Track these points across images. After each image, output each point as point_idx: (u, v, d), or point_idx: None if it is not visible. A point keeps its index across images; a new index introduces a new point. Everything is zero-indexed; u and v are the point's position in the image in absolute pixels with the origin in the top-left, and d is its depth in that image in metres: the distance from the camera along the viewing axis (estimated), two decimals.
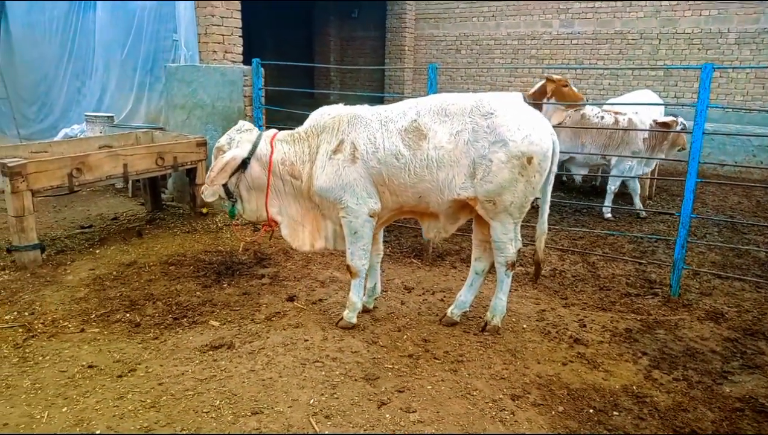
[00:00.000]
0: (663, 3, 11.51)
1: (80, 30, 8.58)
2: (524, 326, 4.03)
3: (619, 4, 11.98)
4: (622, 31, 12.06)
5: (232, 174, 3.70)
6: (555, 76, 6.84)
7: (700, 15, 11.23)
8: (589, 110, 6.98)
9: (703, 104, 3.99)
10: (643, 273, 5.12)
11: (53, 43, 9.05)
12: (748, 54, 10.81)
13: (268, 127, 6.45)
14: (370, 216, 3.63)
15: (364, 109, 3.74)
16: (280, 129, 4.01)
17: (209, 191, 3.78)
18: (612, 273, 5.11)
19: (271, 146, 3.73)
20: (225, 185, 3.75)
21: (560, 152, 6.47)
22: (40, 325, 3.85)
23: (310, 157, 3.72)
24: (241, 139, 3.72)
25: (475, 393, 3.17)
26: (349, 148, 3.56)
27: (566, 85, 6.79)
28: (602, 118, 6.85)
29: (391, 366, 3.43)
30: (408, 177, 3.52)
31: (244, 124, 3.87)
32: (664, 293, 4.63)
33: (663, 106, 8.00)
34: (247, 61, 7.47)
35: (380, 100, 13.76)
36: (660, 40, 11.67)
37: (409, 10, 14.39)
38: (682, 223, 4.31)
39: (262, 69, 6.13)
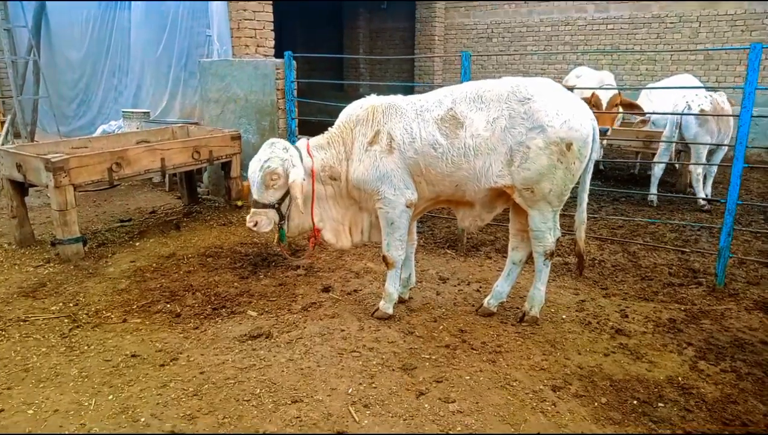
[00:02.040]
0: None
1: (116, 28, 8.76)
2: (563, 317, 3.95)
3: None
4: (659, 14, 11.66)
5: (286, 195, 3.58)
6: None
7: None
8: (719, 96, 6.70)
9: (751, 86, 3.82)
10: (685, 262, 4.97)
11: (91, 42, 9.27)
12: None
13: (300, 120, 6.48)
14: (407, 206, 3.61)
15: (398, 99, 3.70)
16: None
17: (265, 221, 3.58)
18: (654, 262, 4.97)
19: (310, 156, 3.65)
20: (278, 209, 3.61)
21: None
22: (84, 315, 3.96)
23: (347, 154, 3.67)
24: (291, 157, 3.52)
25: (514, 384, 3.13)
26: (385, 138, 3.53)
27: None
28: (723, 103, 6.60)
29: (428, 356, 3.41)
30: (445, 166, 3.48)
31: (278, 141, 3.62)
32: (708, 282, 4.48)
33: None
34: (277, 56, 7.51)
35: (410, 90, 13.69)
36: (700, 22, 11.24)
37: None
38: (728, 210, 4.15)
39: (294, 62, 6.14)
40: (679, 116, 6.45)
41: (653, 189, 6.89)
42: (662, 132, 7.72)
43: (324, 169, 3.66)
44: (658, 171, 6.89)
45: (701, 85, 8.22)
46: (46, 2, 9.98)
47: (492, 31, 14.06)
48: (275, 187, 3.54)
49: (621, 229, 5.99)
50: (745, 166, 4.07)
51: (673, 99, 6.97)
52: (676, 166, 8.48)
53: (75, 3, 9.35)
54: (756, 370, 3.27)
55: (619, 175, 8.69)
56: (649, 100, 8.38)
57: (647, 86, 9.09)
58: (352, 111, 3.74)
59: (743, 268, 4.82)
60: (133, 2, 8.19)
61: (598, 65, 12.09)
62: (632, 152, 8.88)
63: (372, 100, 3.74)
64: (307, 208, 3.68)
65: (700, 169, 6.69)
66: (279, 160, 3.49)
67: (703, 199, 6.69)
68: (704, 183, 7.00)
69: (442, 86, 3.81)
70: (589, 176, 3.64)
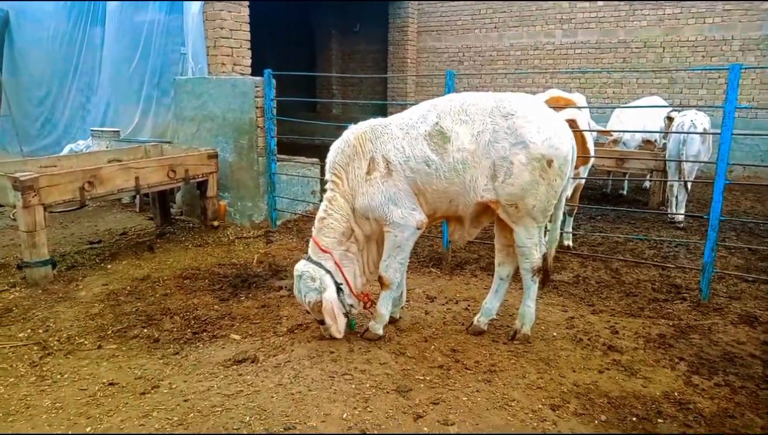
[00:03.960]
0: (666, 12, 11.54)
1: (86, 45, 8.54)
2: (554, 334, 3.92)
3: (622, 13, 11.99)
4: (625, 39, 12.06)
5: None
6: None
7: (704, 23, 11.24)
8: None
9: (731, 105, 3.91)
10: (667, 278, 5.02)
11: (58, 59, 9.01)
12: (752, 60, 10.81)
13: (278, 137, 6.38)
14: (417, 228, 3.54)
15: (379, 121, 3.64)
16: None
17: (334, 328, 3.65)
18: (636, 278, 5.01)
19: (327, 252, 3.62)
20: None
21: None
22: (55, 342, 3.73)
23: (347, 201, 3.61)
24: (321, 280, 3.57)
25: (513, 404, 3.05)
26: (382, 163, 3.48)
27: None
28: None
29: (422, 377, 3.31)
30: (440, 182, 3.44)
31: (304, 272, 3.61)
32: (692, 298, 4.52)
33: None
34: (252, 75, 7.41)
35: (384, 108, 13.74)
36: (664, 48, 11.67)
37: (412, 23, 14.41)
38: (711, 226, 4.21)
39: (274, 80, 6.07)
40: (684, 134, 6.56)
41: (674, 209, 6.95)
42: (633, 151, 7.93)
43: (341, 243, 3.64)
44: (677, 190, 6.91)
45: (669, 106, 8.45)
46: (10, 18, 9.69)
47: (463, 55, 14.30)
48: None
49: (601, 247, 6.04)
50: (727, 183, 4.15)
51: (681, 120, 6.98)
52: (647, 184, 8.70)
53: (41, 20, 9.10)
54: (749, 383, 3.28)
55: (591, 194, 8.83)
56: (619, 122, 8.60)
57: (619, 106, 9.34)
58: (340, 155, 3.62)
59: (723, 283, 4.89)
60: (106, 19, 7.99)
61: (567, 88, 12.39)
62: (604, 172, 9.05)
63: (354, 131, 3.64)
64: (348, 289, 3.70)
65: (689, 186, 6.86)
66: (315, 293, 3.57)
67: (683, 215, 6.82)
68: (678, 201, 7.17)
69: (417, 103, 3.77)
70: (564, 194, 3.65)
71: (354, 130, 3.65)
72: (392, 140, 3.50)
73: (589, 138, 5.60)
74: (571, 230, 5.88)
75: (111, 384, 3.19)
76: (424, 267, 5.32)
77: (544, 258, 3.72)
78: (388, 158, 3.47)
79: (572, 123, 5.61)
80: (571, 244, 5.92)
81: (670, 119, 7.19)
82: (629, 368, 3.45)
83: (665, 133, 7.27)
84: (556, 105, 5.62)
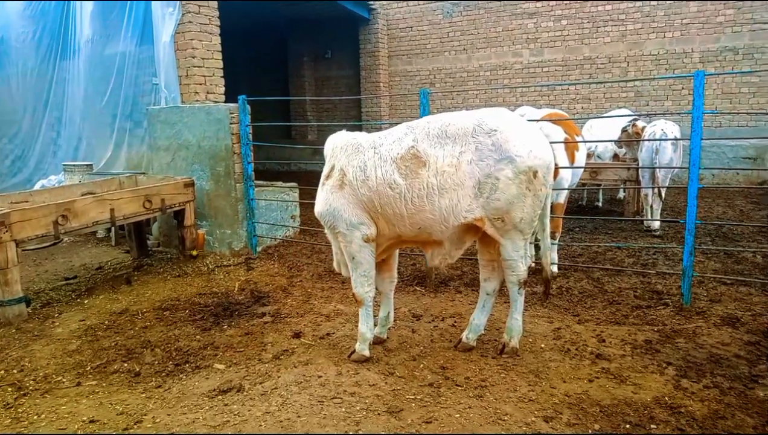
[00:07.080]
0: (628, 28, 11.92)
1: (56, 80, 8.44)
2: (542, 346, 3.91)
3: (586, 30, 12.36)
4: (590, 56, 12.40)
5: None
6: None
7: (664, 37, 11.64)
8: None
9: (698, 111, 4.02)
10: (648, 285, 5.08)
11: (28, 95, 8.89)
12: (712, 71, 11.19)
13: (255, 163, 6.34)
14: (365, 241, 3.55)
15: (360, 136, 3.69)
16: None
17: None
18: (618, 287, 5.05)
19: None
20: None
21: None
22: (31, 381, 3.59)
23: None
24: None
25: (506, 418, 3.02)
26: (338, 174, 3.57)
27: None
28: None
29: (412, 397, 3.26)
30: (404, 207, 3.44)
31: None
32: (674, 303, 4.57)
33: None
34: (225, 102, 7.40)
35: (359, 130, 13.80)
36: (628, 63, 12.03)
37: (382, 48, 14.60)
38: (688, 230, 4.29)
39: (248, 106, 6.06)
40: (656, 143, 6.70)
41: (649, 217, 7.07)
42: (607, 163, 8.08)
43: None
44: (651, 198, 7.02)
45: (637, 115, 8.66)
46: None
47: (435, 77, 14.51)
48: None
49: (581, 257, 6.10)
50: (700, 187, 4.25)
51: (649, 131, 7.14)
52: (622, 195, 8.86)
53: (9, 56, 8.99)
54: (736, 383, 3.31)
55: (568, 207, 8.93)
56: (591, 134, 8.78)
57: (590, 117, 9.54)
58: (326, 146, 3.79)
59: (702, 287, 4.96)
60: (76, 53, 7.93)
61: (537, 105, 12.64)
62: (579, 184, 9.20)
63: (337, 136, 3.74)
64: None
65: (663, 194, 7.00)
66: None
67: (659, 222, 6.94)
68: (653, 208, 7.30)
69: (392, 125, 3.83)
70: (549, 202, 3.69)
71: (339, 135, 3.77)
72: (358, 157, 3.55)
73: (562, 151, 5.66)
74: (556, 258, 5.59)
75: (92, 421, 3.07)
76: (408, 286, 5.30)
77: (541, 268, 3.74)
78: (346, 172, 3.55)
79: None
80: (556, 270, 5.71)
81: (637, 134, 7.35)
82: (618, 376, 3.45)
83: (623, 142, 7.49)
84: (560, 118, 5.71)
